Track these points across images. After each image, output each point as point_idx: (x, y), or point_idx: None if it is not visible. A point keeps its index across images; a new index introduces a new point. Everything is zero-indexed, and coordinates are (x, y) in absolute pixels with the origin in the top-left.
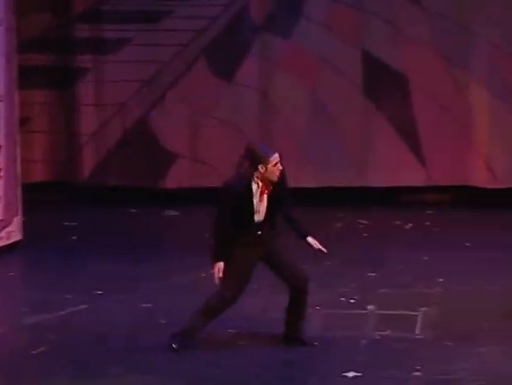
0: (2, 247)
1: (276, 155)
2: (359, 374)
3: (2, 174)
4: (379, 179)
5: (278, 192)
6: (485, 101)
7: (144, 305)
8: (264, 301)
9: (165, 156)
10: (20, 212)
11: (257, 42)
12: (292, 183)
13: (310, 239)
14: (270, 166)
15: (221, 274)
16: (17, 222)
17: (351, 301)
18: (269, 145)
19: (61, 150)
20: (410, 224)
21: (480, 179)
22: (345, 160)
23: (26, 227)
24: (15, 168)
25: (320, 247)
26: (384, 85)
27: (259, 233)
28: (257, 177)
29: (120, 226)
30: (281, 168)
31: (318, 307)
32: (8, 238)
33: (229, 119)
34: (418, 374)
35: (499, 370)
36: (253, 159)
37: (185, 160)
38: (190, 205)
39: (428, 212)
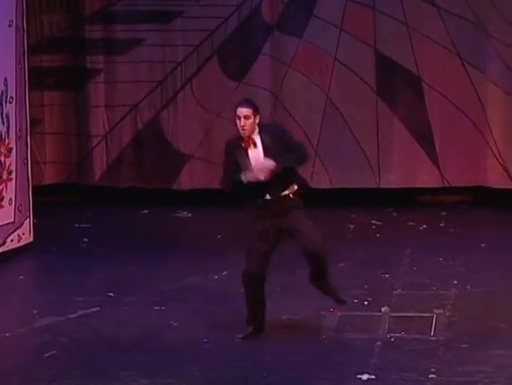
0: (13, 250)
1: (239, 109)
2: (373, 376)
3: (13, 176)
4: (393, 180)
5: (277, 147)
6: (501, 101)
7: (155, 307)
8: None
9: (178, 157)
10: (31, 214)
11: (269, 42)
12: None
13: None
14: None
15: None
16: (28, 224)
17: (365, 302)
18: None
19: (72, 152)
20: (424, 226)
21: (495, 180)
22: (359, 161)
23: (37, 229)
24: (26, 170)
25: (265, 164)
26: (397, 85)
27: (267, 197)
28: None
29: (132, 228)
30: (242, 123)
31: (331, 309)
32: (19, 241)
33: None
34: (433, 376)
35: None
36: None
37: (198, 161)
38: (202, 206)
39: (443, 213)
